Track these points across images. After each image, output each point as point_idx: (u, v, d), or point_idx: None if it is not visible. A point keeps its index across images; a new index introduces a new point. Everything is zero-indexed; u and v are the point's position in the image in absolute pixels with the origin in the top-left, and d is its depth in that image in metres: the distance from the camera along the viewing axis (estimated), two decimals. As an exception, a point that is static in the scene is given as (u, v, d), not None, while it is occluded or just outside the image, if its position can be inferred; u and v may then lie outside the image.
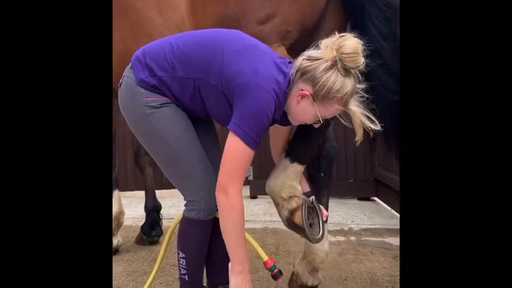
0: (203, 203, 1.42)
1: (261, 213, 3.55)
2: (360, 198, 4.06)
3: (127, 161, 4.11)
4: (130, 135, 4.09)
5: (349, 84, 1.27)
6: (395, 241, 2.71)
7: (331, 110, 1.31)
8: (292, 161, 1.62)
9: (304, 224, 1.50)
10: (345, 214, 3.49)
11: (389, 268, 2.26)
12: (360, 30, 1.44)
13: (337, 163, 3.71)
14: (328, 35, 1.34)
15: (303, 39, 1.53)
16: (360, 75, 1.31)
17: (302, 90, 1.30)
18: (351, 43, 1.26)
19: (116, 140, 2.84)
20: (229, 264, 1.36)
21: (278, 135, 1.60)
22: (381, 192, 3.87)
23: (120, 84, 1.44)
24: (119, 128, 3.42)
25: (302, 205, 1.53)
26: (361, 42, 1.27)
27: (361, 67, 1.28)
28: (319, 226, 1.53)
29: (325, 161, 1.91)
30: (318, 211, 1.54)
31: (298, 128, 1.68)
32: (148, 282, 1.68)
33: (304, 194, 1.61)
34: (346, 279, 2.11)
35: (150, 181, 2.89)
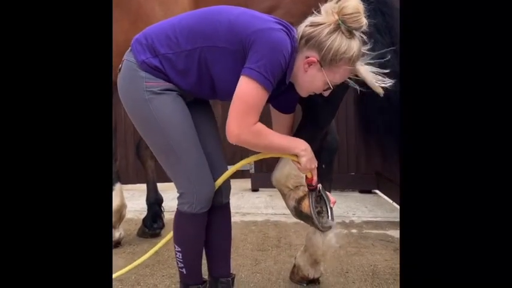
0: (195, 196, 1.41)
1: (263, 206, 3.55)
2: (361, 191, 4.06)
3: (129, 154, 4.12)
4: (132, 128, 4.09)
5: (354, 45, 1.28)
6: (396, 234, 2.72)
7: (340, 73, 1.32)
8: None
9: (312, 213, 1.49)
10: (346, 207, 3.49)
11: (390, 260, 2.26)
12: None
13: (339, 156, 3.71)
14: None
15: None
16: (363, 36, 1.32)
17: (308, 57, 1.30)
18: (352, 3, 1.26)
19: (118, 133, 2.84)
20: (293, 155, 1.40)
21: (281, 124, 1.59)
22: (382, 185, 3.86)
23: (120, 69, 1.42)
24: (120, 121, 3.43)
25: (309, 193, 1.52)
26: (361, 3, 1.28)
27: (365, 27, 1.29)
28: (328, 214, 1.52)
29: (327, 153, 1.91)
30: (326, 199, 1.52)
31: (303, 118, 1.67)
32: (138, 261, 1.68)
33: None
34: (347, 272, 2.11)
35: (151, 174, 2.89)
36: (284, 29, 1.29)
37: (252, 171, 4.10)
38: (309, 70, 1.32)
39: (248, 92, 1.26)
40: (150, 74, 1.35)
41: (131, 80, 1.38)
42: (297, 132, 1.65)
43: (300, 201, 1.56)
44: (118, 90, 1.43)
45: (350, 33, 1.27)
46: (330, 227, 1.52)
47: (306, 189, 1.55)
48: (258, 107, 1.28)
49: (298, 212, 1.59)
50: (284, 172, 1.62)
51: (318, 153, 1.86)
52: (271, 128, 1.67)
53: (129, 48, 1.41)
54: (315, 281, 1.95)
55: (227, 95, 1.42)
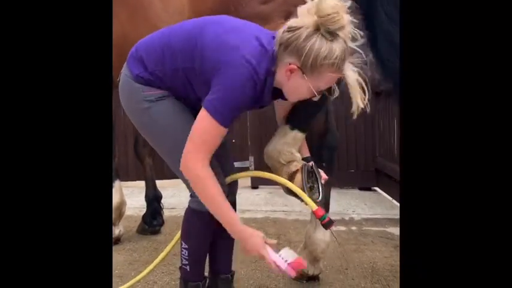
0: None
1: (262, 203, 3.56)
2: (361, 188, 4.07)
3: (128, 151, 4.11)
4: (131, 125, 4.07)
5: (337, 48, 1.18)
6: (396, 231, 2.72)
7: (325, 79, 1.24)
8: (292, 128, 1.60)
9: (304, 187, 1.48)
10: (345, 204, 3.49)
11: (390, 258, 2.26)
12: (368, 12, 1.42)
13: (338, 153, 3.69)
14: None
15: None
16: (355, 34, 1.22)
17: (289, 64, 1.23)
18: (329, 3, 1.16)
19: (117, 130, 2.83)
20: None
21: (283, 106, 1.59)
22: (382, 182, 3.87)
23: (119, 81, 1.44)
24: (120, 119, 3.41)
25: (301, 168, 1.51)
26: (341, 0, 1.19)
27: (347, 26, 1.19)
28: (319, 191, 1.52)
29: (327, 150, 1.90)
30: (317, 175, 1.52)
31: None
32: (147, 270, 1.68)
33: (303, 159, 1.59)
34: (347, 269, 2.12)
35: (150, 171, 2.89)
36: (254, 58, 1.24)
37: (252, 168, 4.11)
38: (291, 78, 1.25)
39: (203, 126, 1.25)
40: (145, 86, 1.37)
41: (129, 92, 1.40)
42: (292, 111, 1.63)
43: (292, 176, 1.54)
44: (121, 103, 1.46)
45: (331, 34, 1.18)
46: (320, 203, 1.51)
47: (299, 164, 1.55)
48: (211, 143, 1.27)
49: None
50: (277, 147, 1.60)
51: (318, 150, 1.87)
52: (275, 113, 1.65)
53: (126, 61, 1.43)
54: (315, 278, 1.95)
55: None
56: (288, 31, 1.22)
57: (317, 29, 1.18)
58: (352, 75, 1.25)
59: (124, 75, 1.42)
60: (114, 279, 1.96)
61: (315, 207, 1.42)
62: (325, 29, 1.18)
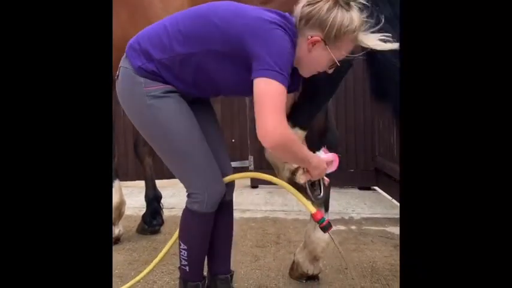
0: (206, 195, 1.41)
1: (262, 202, 3.56)
2: (361, 188, 4.07)
3: (128, 151, 4.11)
4: (131, 125, 4.07)
5: (355, 17, 1.28)
6: (395, 230, 2.72)
7: (346, 47, 1.31)
8: (294, 125, 1.61)
9: (305, 183, 1.49)
10: (345, 203, 3.50)
11: (390, 257, 2.26)
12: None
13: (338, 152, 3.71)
14: None
15: None
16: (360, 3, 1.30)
17: (311, 37, 1.29)
18: None
19: (117, 130, 2.83)
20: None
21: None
22: (382, 181, 3.87)
23: (117, 76, 1.41)
24: (120, 119, 3.41)
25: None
26: None
27: None
28: (320, 188, 1.52)
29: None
30: None
31: (301, 94, 1.65)
32: (147, 270, 1.68)
33: None
34: (346, 268, 2.11)
35: (149, 171, 2.89)
36: (278, 22, 1.27)
37: (252, 168, 4.11)
38: (313, 50, 1.30)
39: (270, 91, 1.23)
40: (148, 79, 1.34)
41: (130, 86, 1.37)
42: (294, 109, 1.63)
43: (294, 172, 1.55)
44: (118, 97, 1.43)
45: (348, 5, 1.27)
46: (322, 200, 1.52)
47: None
48: (283, 101, 1.25)
49: (291, 183, 1.59)
50: None
51: (317, 150, 1.86)
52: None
53: (124, 54, 1.41)
54: (314, 277, 1.96)
55: (231, 93, 1.45)
56: (308, 5, 1.29)
57: (336, 1, 1.27)
58: (366, 37, 1.32)
59: (123, 69, 1.38)
60: (114, 279, 1.96)
61: (313, 210, 1.42)
62: (343, 0, 1.27)
